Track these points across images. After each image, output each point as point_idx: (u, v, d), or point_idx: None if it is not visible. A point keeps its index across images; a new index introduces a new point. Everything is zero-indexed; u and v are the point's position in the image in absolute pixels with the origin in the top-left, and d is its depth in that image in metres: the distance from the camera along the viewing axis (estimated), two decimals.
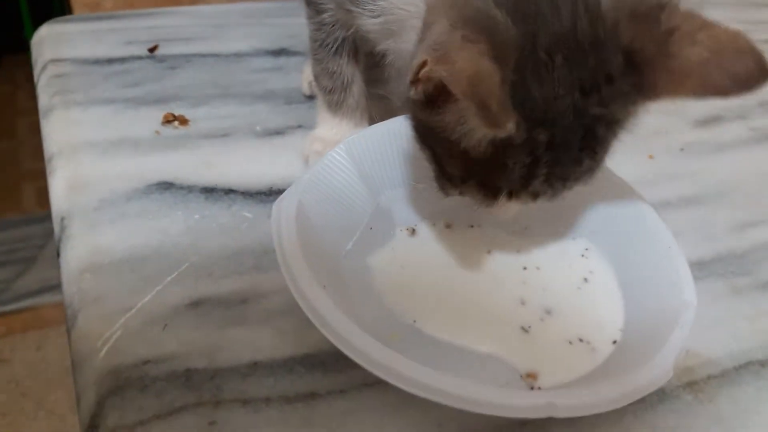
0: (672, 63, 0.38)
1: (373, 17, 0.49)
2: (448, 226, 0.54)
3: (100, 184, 0.56)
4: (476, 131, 0.39)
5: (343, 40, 0.56)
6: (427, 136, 0.45)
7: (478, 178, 0.43)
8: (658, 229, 0.50)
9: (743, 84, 0.37)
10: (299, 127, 0.65)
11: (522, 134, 0.39)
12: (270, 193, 0.57)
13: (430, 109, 0.41)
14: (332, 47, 0.57)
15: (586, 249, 0.53)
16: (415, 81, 0.38)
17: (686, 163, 0.67)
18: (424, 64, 0.36)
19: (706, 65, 0.37)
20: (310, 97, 0.69)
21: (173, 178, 0.57)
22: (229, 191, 0.57)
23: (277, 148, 0.63)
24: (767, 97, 0.80)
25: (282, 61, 0.75)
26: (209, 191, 0.57)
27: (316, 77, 0.61)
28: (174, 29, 0.78)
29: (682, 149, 0.69)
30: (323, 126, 0.61)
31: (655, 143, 0.69)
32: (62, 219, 0.53)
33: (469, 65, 0.34)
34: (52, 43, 0.74)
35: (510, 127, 0.35)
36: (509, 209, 0.46)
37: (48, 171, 0.58)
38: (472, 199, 0.45)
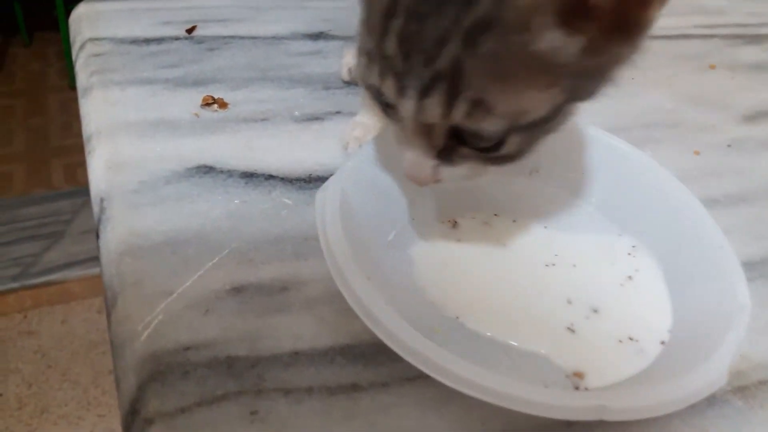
0: None
1: None
2: (490, 219, 0.53)
3: (139, 165, 0.55)
4: None
5: None
6: None
7: (362, 41, 0.39)
8: (708, 227, 0.48)
9: None
10: (338, 113, 0.65)
11: None
12: (309, 180, 0.56)
13: None
14: None
15: (633, 246, 0.51)
16: None
17: (733, 159, 0.66)
18: None
19: None
20: (349, 83, 0.68)
21: (213, 161, 0.57)
22: (269, 177, 0.56)
23: (315, 133, 0.62)
24: None
25: (320, 45, 0.74)
26: (249, 176, 0.56)
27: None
28: (211, 10, 0.77)
29: (729, 145, 0.67)
30: (364, 113, 0.60)
31: (701, 139, 0.67)
32: (101, 200, 0.53)
33: None
34: (89, 21, 0.73)
35: None
36: (404, 124, 0.40)
37: (86, 150, 0.58)
38: (362, 79, 0.40)
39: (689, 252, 0.49)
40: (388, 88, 0.38)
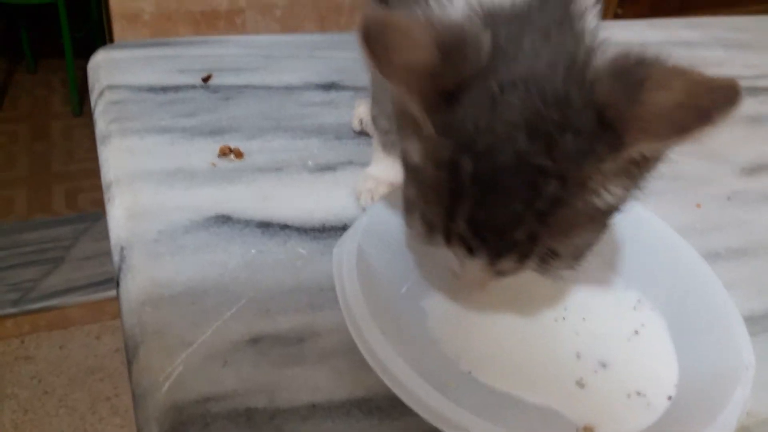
0: (639, 110, 0.35)
1: None
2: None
3: (158, 214, 0.57)
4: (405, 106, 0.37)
5: None
6: (402, 153, 0.43)
7: (420, 206, 0.41)
8: (711, 283, 0.50)
9: (704, 116, 0.34)
10: (350, 163, 0.66)
11: (446, 149, 0.37)
12: (323, 230, 0.58)
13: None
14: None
15: (638, 300, 0.53)
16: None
17: (734, 212, 0.67)
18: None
19: (678, 108, 0.35)
20: (360, 134, 0.70)
21: (230, 211, 0.58)
22: (284, 226, 0.58)
23: (328, 183, 0.63)
24: None
25: (332, 95, 0.76)
26: (265, 226, 0.57)
27: (374, 118, 0.62)
28: (225, 59, 0.80)
29: (729, 198, 0.69)
30: (377, 164, 0.62)
31: (702, 192, 0.69)
32: (122, 249, 0.54)
33: (403, 23, 0.34)
34: (107, 69, 0.75)
35: (416, 111, 0.35)
36: (470, 272, 0.43)
37: (106, 198, 0.60)
38: (421, 239, 0.43)
39: (693, 307, 0.50)
40: (458, 253, 0.41)
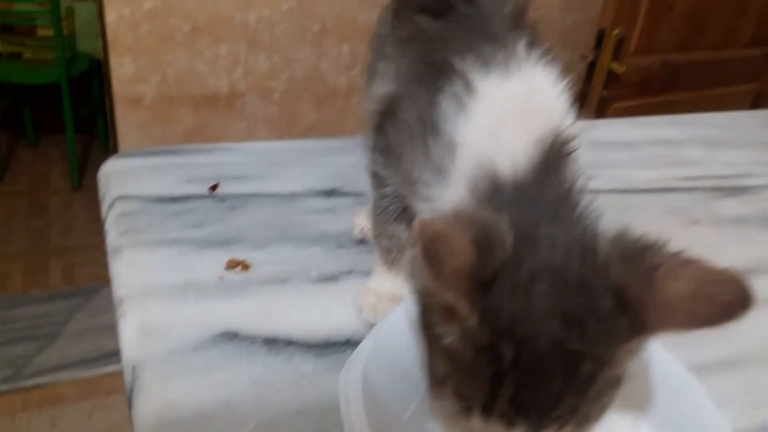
0: (658, 298, 0.38)
1: (426, 206, 0.53)
2: None
3: (168, 332, 0.59)
4: (449, 318, 0.40)
5: (403, 209, 0.60)
6: (422, 326, 0.45)
7: (455, 382, 0.43)
8: (705, 407, 0.52)
9: (728, 312, 0.38)
10: (351, 272, 0.69)
11: (485, 337, 0.39)
12: (327, 345, 0.60)
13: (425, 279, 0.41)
14: (392, 214, 0.61)
15: (635, 418, 0.55)
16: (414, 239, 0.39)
17: None
18: (416, 222, 0.38)
19: (691, 298, 0.38)
20: (360, 241, 0.73)
21: (237, 327, 0.60)
22: (289, 342, 0.60)
23: (331, 295, 0.66)
24: None
25: (333, 201, 0.80)
26: (271, 342, 0.60)
27: (376, 236, 0.65)
28: (231, 167, 0.83)
29: None
30: (378, 278, 0.65)
31: None
32: (134, 368, 0.56)
33: (444, 228, 0.37)
34: (117, 178, 0.79)
35: (463, 307, 0.37)
36: None
37: (118, 314, 0.62)
38: (452, 410, 0.44)
39: (686, 426, 0.52)
40: (497, 427, 0.42)
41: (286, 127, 2.02)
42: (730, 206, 0.91)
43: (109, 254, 0.69)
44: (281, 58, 1.93)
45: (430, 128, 0.51)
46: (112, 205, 0.74)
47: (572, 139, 0.49)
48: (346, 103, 2.05)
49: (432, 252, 0.37)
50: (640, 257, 0.40)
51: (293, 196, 0.80)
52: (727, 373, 0.64)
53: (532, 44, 0.52)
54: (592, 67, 2.23)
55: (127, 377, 0.56)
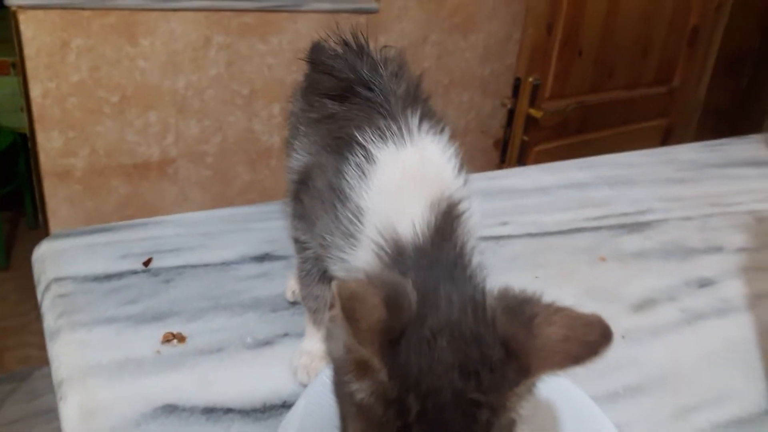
0: (537, 343, 0.43)
1: (339, 267, 0.58)
2: None
3: (109, 410, 0.61)
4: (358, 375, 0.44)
5: (325, 271, 0.65)
6: (337, 388, 0.49)
7: None
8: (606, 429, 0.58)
9: (594, 350, 0.43)
10: (285, 335, 0.73)
11: (394, 391, 0.43)
12: (264, 410, 0.63)
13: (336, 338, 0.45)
14: (316, 276, 0.66)
15: None
16: (333, 302, 0.43)
17: (628, 350, 0.77)
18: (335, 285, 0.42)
19: (564, 340, 0.43)
20: (293, 303, 0.77)
21: (176, 399, 0.63)
22: (227, 411, 0.63)
23: (267, 359, 0.69)
24: (690, 276, 0.91)
25: (266, 266, 0.83)
26: (209, 411, 0.62)
27: (303, 298, 0.69)
28: (164, 240, 0.86)
29: (623, 336, 0.79)
30: (309, 339, 0.69)
31: None
32: None
33: (359, 288, 0.41)
34: (52, 260, 0.81)
35: (375, 362, 0.41)
36: None
37: (58, 396, 0.63)
38: None
39: None
40: None
41: (220, 190, 2.04)
42: (632, 242, 0.99)
43: (47, 337, 0.70)
44: (212, 121, 1.97)
45: (338, 195, 0.56)
46: (47, 287, 0.76)
47: (461, 201, 0.55)
48: (281, 162, 2.09)
49: (350, 310, 0.41)
50: (521, 309, 0.45)
51: (226, 265, 0.83)
52: (632, 399, 0.70)
53: (424, 117, 0.59)
54: (512, 114, 2.36)
55: None
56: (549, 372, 0.44)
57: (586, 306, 0.81)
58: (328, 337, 0.51)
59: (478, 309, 0.46)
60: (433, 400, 0.43)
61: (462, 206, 0.55)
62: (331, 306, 0.44)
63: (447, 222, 0.53)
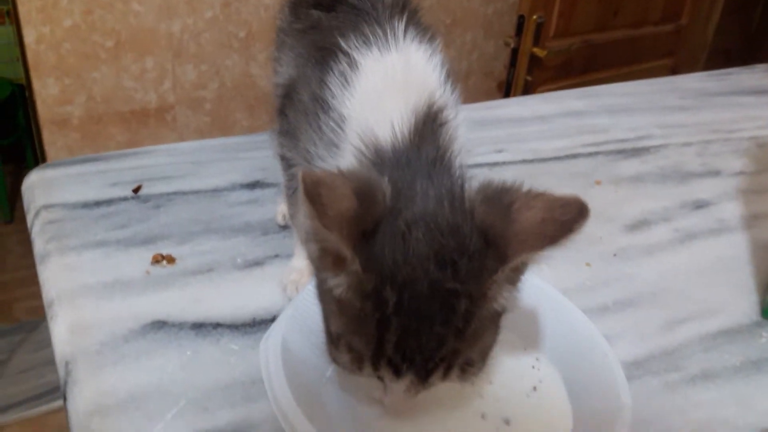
0: (514, 227, 0.43)
1: None
2: None
3: (99, 327, 0.61)
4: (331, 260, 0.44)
5: None
6: (318, 288, 0.49)
7: (347, 337, 0.46)
8: (595, 338, 0.58)
9: (569, 227, 0.42)
10: (276, 256, 0.73)
11: (370, 283, 0.43)
12: (254, 324, 0.64)
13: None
14: None
15: (537, 359, 0.60)
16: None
17: (620, 267, 0.76)
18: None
19: (541, 223, 0.43)
20: (284, 227, 0.77)
21: (165, 316, 0.63)
22: (216, 325, 0.63)
23: (257, 279, 0.69)
24: (686, 198, 0.91)
25: (257, 193, 0.83)
26: (198, 327, 0.63)
27: (292, 217, 0.69)
28: (155, 168, 0.86)
29: (615, 255, 0.78)
30: (299, 257, 0.69)
31: (592, 251, 0.78)
32: (66, 363, 0.58)
33: (325, 176, 0.41)
34: (42, 188, 0.80)
35: (346, 252, 0.41)
36: (395, 397, 0.48)
37: (48, 316, 0.64)
38: (348, 369, 0.47)
39: (582, 362, 0.58)
40: (386, 375, 0.46)
41: (219, 136, 2.03)
42: (629, 166, 0.98)
43: (37, 261, 0.71)
44: (209, 66, 1.95)
45: (321, 105, 0.55)
46: (37, 214, 0.76)
47: (445, 108, 0.54)
48: None
49: (314, 195, 0.40)
50: (499, 198, 0.45)
51: (217, 192, 0.83)
52: (622, 312, 0.69)
53: (410, 25, 0.57)
54: (515, 54, 2.31)
55: (61, 373, 0.58)
56: (526, 255, 0.44)
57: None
58: (307, 239, 0.51)
59: (456, 201, 0.46)
60: (410, 291, 0.43)
61: (446, 113, 0.54)
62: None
63: (428, 126, 0.52)
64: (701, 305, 0.71)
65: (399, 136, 0.50)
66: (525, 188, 0.45)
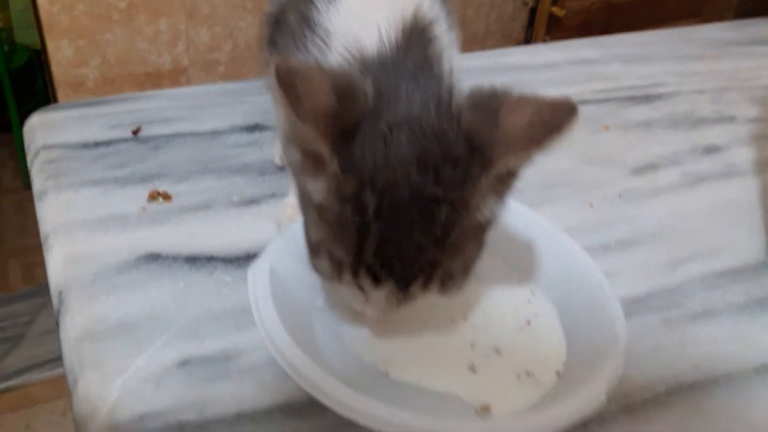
0: (500, 131, 0.42)
1: None
2: None
3: (93, 258, 0.61)
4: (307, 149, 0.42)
5: None
6: (300, 197, 0.48)
7: (326, 244, 0.45)
8: (592, 272, 0.57)
9: (557, 128, 0.40)
10: (273, 195, 0.72)
11: (350, 186, 0.42)
12: (247, 258, 0.63)
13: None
14: None
15: (532, 293, 0.59)
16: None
17: (624, 209, 0.74)
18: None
19: (529, 126, 0.41)
20: (282, 168, 0.76)
21: (159, 249, 0.63)
22: (210, 258, 0.63)
23: (253, 216, 0.69)
24: (697, 144, 0.88)
25: (256, 135, 0.82)
26: (192, 260, 0.62)
27: (285, 152, 0.68)
28: (155, 111, 0.85)
29: (620, 196, 0.76)
30: (294, 193, 0.68)
31: (595, 193, 0.76)
32: (60, 293, 0.58)
33: (303, 68, 0.39)
34: (42, 130, 0.80)
35: (323, 149, 0.40)
36: (376, 308, 0.47)
37: (44, 249, 0.64)
38: (327, 278, 0.47)
39: (578, 295, 0.57)
40: (365, 285, 0.45)
41: None
42: (639, 112, 0.95)
43: (36, 199, 0.71)
44: (222, 27, 1.93)
45: (308, 24, 0.54)
46: (36, 154, 0.76)
47: (434, 21, 0.52)
48: None
49: (288, 84, 0.39)
50: (488, 103, 0.43)
51: (216, 134, 0.82)
52: (623, 251, 0.68)
53: None
54: (533, 13, 2.27)
55: (54, 302, 0.59)
56: (511, 160, 0.42)
57: (583, 171, 0.79)
58: (286, 142, 0.49)
59: (443, 105, 0.44)
60: (390, 196, 0.42)
61: (436, 28, 0.52)
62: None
63: (416, 37, 0.50)
64: (706, 245, 0.69)
65: (386, 42, 0.49)
66: (515, 93, 0.44)
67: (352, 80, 0.43)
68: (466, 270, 0.47)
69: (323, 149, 0.41)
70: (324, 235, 0.46)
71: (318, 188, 0.44)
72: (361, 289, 0.46)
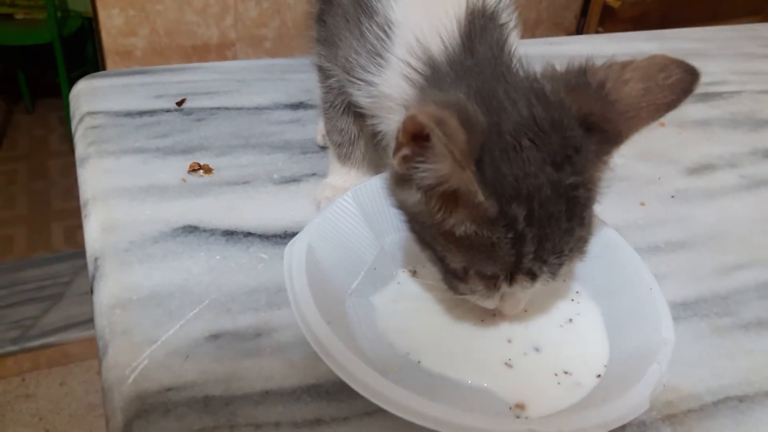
0: (620, 107, 0.43)
1: (364, 93, 0.55)
2: None
3: (130, 227, 0.61)
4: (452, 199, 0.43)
5: (350, 102, 0.61)
6: (423, 233, 0.48)
7: (476, 267, 0.46)
8: (641, 272, 0.54)
9: (683, 88, 0.42)
10: (313, 174, 0.71)
11: (494, 208, 0.42)
12: (285, 236, 0.62)
13: (408, 183, 0.45)
14: (340, 108, 0.63)
15: (577, 292, 0.57)
16: (398, 144, 0.42)
17: (676, 209, 0.71)
18: (409, 118, 0.40)
19: (646, 93, 0.42)
20: (323, 148, 0.75)
21: (197, 221, 0.62)
22: (247, 234, 0.62)
23: (292, 194, 0.68)
24: (758, 146, 0.84)
25: (300, 113, 0.81)
26: (230, 234, 0.62)
27: (328, 132, 0.66)
28: (200, 84, 0.85)
29: (672, 196, 0.73)
30: (334, 174, 0.67)
31: (647, 191, 0.73)
32: (96, 259, 0.58)
33: (443, 114, 0.39)
34: (88, 96, 0.80)
35: (471, 187, 0.40)
36: (515, 301, 0.49)
37: (83, 215, 0.64)
38: (479, 295, 0.48)
39: (625, 296, 0.54)
40: (522, 285, 0.46)
41: None
42: (698, 110, 0.91)
43: (78, 164, 0.71)
44: (271, 4, 1.93)
45: (363, 9, 0.52)
46: (81, 120, 0.76)
47: (501, 5, 0.50)
48: None
49: (445, 134, 0.38)
50: (584, 81, 0.44)
51: (259, 109, 0.81)
52: (674, 253, 0.65)
53: None
54: (587, 3, 2.21)
55: (90, 268, 0.58)
56: (640, 129, 0.44)
57: (636, 167, 0.76)
58: (396, 186, 0.48)
59: (542, 97, 0.44)
60: (537, 199, 0.42)
61: (503, 13, 0.51)
62: (399, 145, 0.42)
63: (488, 25, 0.49)
64: (762, 252, 0.66)
65: (451, 43, 0.48)
66: (604, 63, 0.44)
67: (466, 107, 0.42)
68: (591, 233, 0.48)
69: (471, 186, 0.41)
70: (470, 260, 0.46)
71: (459, 222, 0.44)
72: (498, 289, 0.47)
